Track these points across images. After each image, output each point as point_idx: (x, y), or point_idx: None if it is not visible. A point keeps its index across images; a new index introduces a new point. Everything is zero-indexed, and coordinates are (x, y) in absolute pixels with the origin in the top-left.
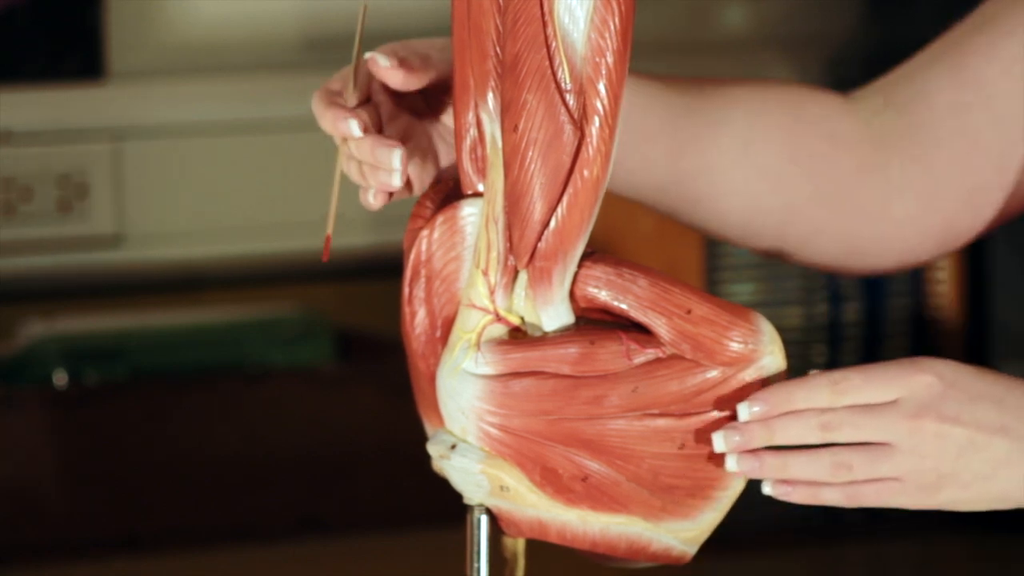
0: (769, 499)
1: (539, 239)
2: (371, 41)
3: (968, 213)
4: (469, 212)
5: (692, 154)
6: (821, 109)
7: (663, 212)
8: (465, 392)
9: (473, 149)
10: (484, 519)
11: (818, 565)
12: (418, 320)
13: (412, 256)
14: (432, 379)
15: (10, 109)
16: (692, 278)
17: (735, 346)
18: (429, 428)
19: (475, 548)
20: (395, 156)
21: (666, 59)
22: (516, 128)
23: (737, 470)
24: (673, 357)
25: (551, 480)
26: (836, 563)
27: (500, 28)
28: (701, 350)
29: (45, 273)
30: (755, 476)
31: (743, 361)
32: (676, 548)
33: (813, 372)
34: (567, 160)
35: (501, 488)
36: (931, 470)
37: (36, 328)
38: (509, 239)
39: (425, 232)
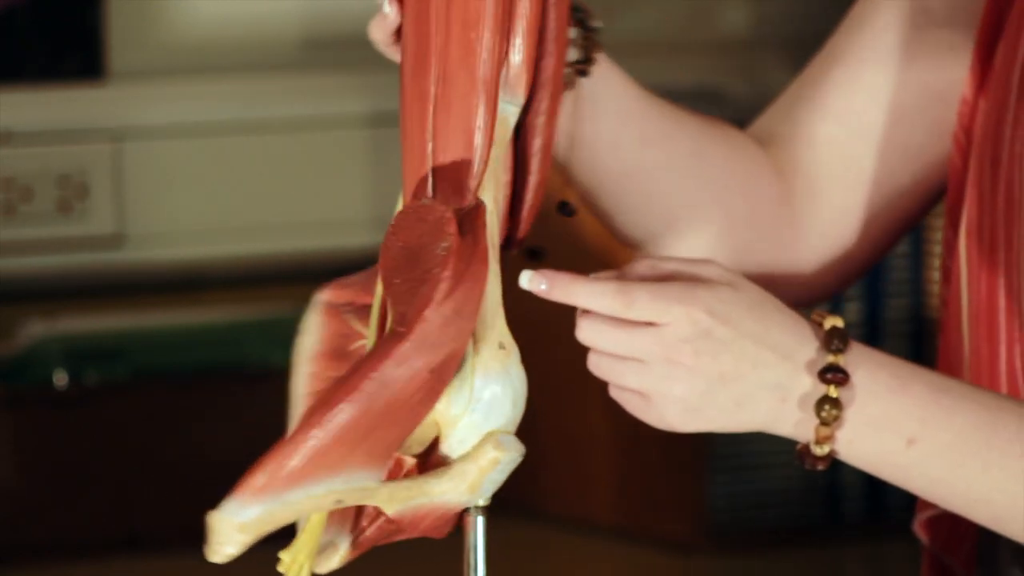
0: (769, 500)
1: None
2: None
3: (865, 244)
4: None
5: (657, 147)
6: (740, 136)
7: (606, 210)
8: (525, 390)
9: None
10: (481, 520)
11: (818, 565)
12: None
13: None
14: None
15: (10, 109)
16: None
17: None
18: (359, 473)
19: (473, 548)
20: None
21: (666, 59)
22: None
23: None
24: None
25: None
26: (836, 563)
27: None
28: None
29: (45, 273)
30: None
31: None
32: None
33: (602, 274)
34: None
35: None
36: (678, 400)
37: (37, 328)
38: (508, 225)
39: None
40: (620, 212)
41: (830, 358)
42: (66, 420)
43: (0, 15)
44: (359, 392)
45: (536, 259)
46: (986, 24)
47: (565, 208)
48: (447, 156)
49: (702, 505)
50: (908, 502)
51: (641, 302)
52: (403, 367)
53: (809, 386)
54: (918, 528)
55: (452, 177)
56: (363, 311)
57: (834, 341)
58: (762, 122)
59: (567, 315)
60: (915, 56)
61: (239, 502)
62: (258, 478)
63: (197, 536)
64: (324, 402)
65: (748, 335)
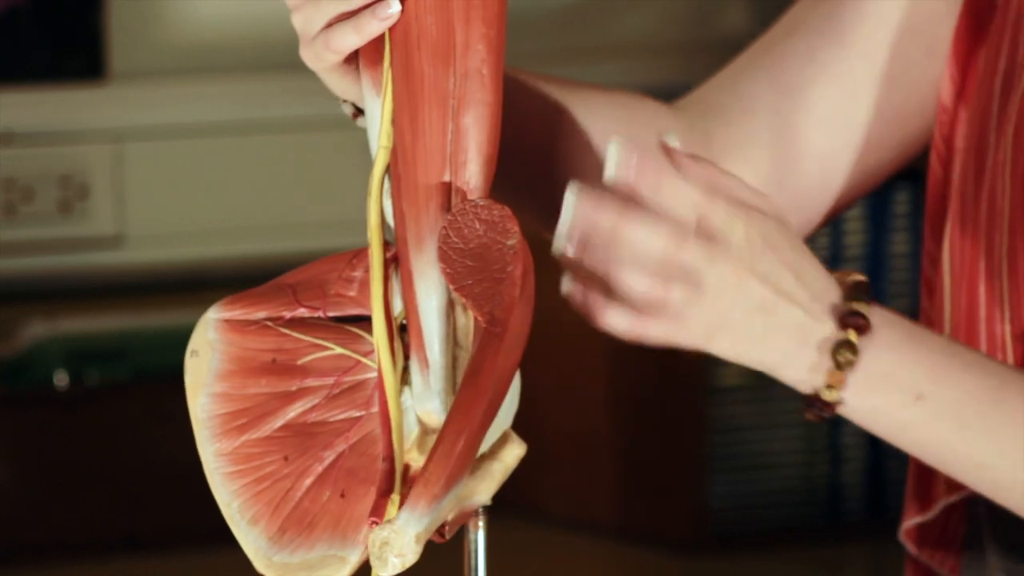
0: (769, 500)
1: None
2: None
3: (794, 214)
4: None
5: (533, 130)
6: (649, 110)
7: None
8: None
9: None
10: (483, 520)
11: (818, 565)
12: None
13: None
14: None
15: (11, 110)
16: None
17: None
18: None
19: (473, 549)
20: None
21: (666, 59)
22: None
23: (566, 291)
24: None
25: None
26: (836, 563)
27: None
28: None
29: (46, 274)
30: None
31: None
32: None
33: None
34: None
35: None
36: (722, 314)
37: (37, 329)
38: None
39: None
40: (510, 200)
41: (853, 304)
42: (66, 420)
43: (1, 15)
44: (485, 396)
45: None
46: (962, 33)
47: None
48: (468, 157)
49: (702, 505)
50: None
51: (720, 208)
52: (508, 366)
53: (829, 330)
54: (903, 536)
55: (473, 177)
56: (308, 323)
57: (858, 292)
58: (709, 87)
59: (567, 315)
60: (873, 34)
61: (417, 513)
62: (429, 488)
63: (197, 536)
64: (462, 408)
65: (788, 266)
